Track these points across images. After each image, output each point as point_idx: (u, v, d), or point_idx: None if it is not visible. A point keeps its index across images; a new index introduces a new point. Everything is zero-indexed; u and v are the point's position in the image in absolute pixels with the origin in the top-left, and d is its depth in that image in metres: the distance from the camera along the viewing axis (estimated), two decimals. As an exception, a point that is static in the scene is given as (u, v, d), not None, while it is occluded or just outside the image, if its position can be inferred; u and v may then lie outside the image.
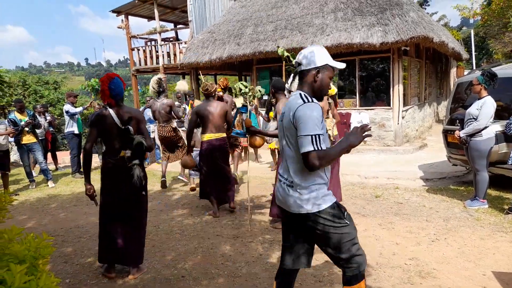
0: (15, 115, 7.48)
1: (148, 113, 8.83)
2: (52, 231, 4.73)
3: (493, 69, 5.12)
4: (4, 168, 7.00)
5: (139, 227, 3.42)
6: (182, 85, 6.79)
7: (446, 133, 5.93)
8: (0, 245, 1.34)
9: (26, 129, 7.39)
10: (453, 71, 17.32)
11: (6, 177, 7.13)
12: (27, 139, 7.48)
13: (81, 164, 3.33)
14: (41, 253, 1.45)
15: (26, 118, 7.44)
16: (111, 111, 3.16)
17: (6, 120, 7.36)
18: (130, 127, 3.16)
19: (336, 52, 9.53)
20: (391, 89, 9.43)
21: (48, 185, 7.60)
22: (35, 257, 1.41)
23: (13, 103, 11.61)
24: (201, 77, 6.07)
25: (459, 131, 4.87)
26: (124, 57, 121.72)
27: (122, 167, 3.19)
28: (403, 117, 9.51)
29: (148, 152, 3.46)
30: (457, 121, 5.67)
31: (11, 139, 7.61)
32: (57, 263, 3.76)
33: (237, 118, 6.38)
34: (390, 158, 8.58)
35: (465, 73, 14.67)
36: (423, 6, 24.92)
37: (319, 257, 3.57)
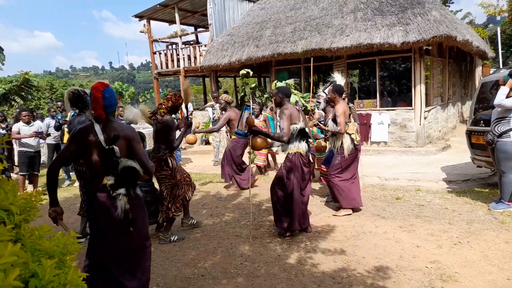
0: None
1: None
2: (78, 229, 4.89)
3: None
4: (34, 169, 7.32)
5: (132, 274, 2.65)
6: (132, 113, 4.51)
7: (470, 134, 5.79)
8: (32, 242, 1.42)
9: (66, 129, 7.73)
10: (479, 70, 16.83)
11: (36, 178, 7.45)
12: (66, 139, 7.88)
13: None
14: (68, 250, 1.53)
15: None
16: (97, 126, 2.55)
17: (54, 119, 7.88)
18: (116, 147, 2.51)
19: (355, 53, 9.46)
20: (413, 89, 9.27)
21: (74, 185, 7.90)
22: (63, 253, 1.49)
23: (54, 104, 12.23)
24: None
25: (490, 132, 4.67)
26: (146, 60, 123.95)
27: (106, 197, 2.55)
28: (425, 118, 9.33)
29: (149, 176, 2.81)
30: (481, 121, 5.53)
31: (42, 141, 7.97)
32: (83, 260, 3.89)
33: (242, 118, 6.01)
34: (412, 160, 8.43)
35: (491, 72, 14.23)
36: (446, 4, 24.28)
37: (338, 259, 3.58)
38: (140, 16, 15.04)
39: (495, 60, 18.11)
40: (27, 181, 7.57)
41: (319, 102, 5.73)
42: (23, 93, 17.24)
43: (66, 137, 7.90)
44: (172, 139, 4.26)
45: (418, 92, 9.16)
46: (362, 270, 3.34)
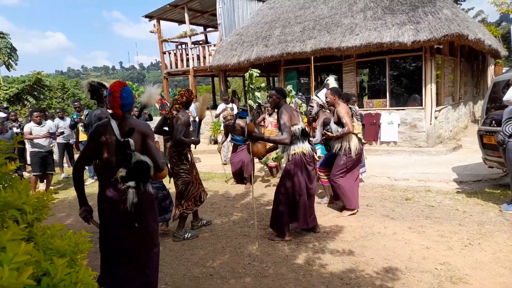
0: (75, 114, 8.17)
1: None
2: (89, 228, 4.94)
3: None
4: (47, 168, 7.38)
5: (140, 271, 2.68)
6: (153, 94, 3.89)
7: (481, 134, 5.71)
8: (43, 240, 1.45)
9: (81, 128, 7.88)
10: (491, 69, 16.57)
11: (50, 177, 7.53)
12: (82, 137, 8.07)
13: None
14: (79, 248, 1.56)
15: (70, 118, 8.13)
16: (113, 122, 2.63)
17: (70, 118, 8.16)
18: (131, 140, 2.57)
19: (365, 52, 9.40)
20: (423, 88, 9.17)
21: (86, 184, 8.04)
22: (74, 252, 1.52)
23: (71, 104, 12.71)
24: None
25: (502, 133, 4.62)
26: (156, 60, 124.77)
27: (117, 190, 2.61)
28: (436, 117, 9.22)
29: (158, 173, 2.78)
30: (493, 121, 5.45)
31: (53, 141, 8.14)
32: (93, 258, 3.95)
33: (236, 123, 5.51)
34: (422, 160, 8.35)
35: (503, 70, 14.00)
36: (458, 2, 23.95)
37: (346, 260, 3.57)
38: (150, 16, 15.15)
39: (508, 58, 17.82)
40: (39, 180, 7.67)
41: (312, 107, 5.66)
42: (36, 93, 17.52)
43: (81, 136, 8.09)
44: (179, 131, 4.22)
45: (429, 92, 9.05)
46: (370, 271, 3.33)
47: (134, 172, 2.57)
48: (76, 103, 8.41)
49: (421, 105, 9.28)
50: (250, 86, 4.58)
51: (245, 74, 4.59)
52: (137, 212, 2.59)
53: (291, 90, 6.71)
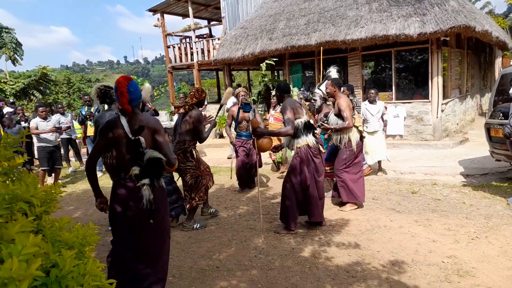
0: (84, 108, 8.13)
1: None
2: (97, 221, 5.00)
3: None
4: (55, 163, 7.41)
5: (151, 263, 2.67)
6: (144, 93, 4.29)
7: (488, 127, 5.66)
8: (52, 233, 1.46)
9: (90, 123, 7.91)
10: (498, 61, 16.36)
11: (58, 171, 7.57)
12: (90, 131, 8.11)
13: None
14: (87, 241, 1.57)
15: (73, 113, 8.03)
16: (123, 119, 2.60)
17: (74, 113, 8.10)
18: (141, 138, 2.56)
19: (371, 44, 9.31)
20: (430, 81, 9.08)
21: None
22: (82, 244, 1.53)
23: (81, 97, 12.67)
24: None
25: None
26: (160, 54, 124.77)
27: (132, 188, 2.59)
28: (442, 111, 9.14)
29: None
30: (501, 114, 5.40)
31: (61, 136, 8.19)
32: (101, 251, 4.00)
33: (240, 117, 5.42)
34: (428, 153, 8.29)
35: (511, 63, 13.82)
36: (465, -7, 23.60)
37: (352, 253, 3.56)
38: (154, 10, 15.11)
39: (516, 50, 17.55)
40: (47, 175, 7.73)
41: (315, 100, 5.60)
42: (42, 88, 17.63)
43: (89, 130, 8.12)
44: (201, 131, 4.42)
45: (435, 84, 8.97)
46: (377, 264, 3.32)
47: (147, 169, 2.57)
48: (86, 97, 8.39)
49: (428, 98, 9.19)
50: (263, 77, 4.58)
51: (261, 65, 4.59)
52: (152, 208, 2.58)
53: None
